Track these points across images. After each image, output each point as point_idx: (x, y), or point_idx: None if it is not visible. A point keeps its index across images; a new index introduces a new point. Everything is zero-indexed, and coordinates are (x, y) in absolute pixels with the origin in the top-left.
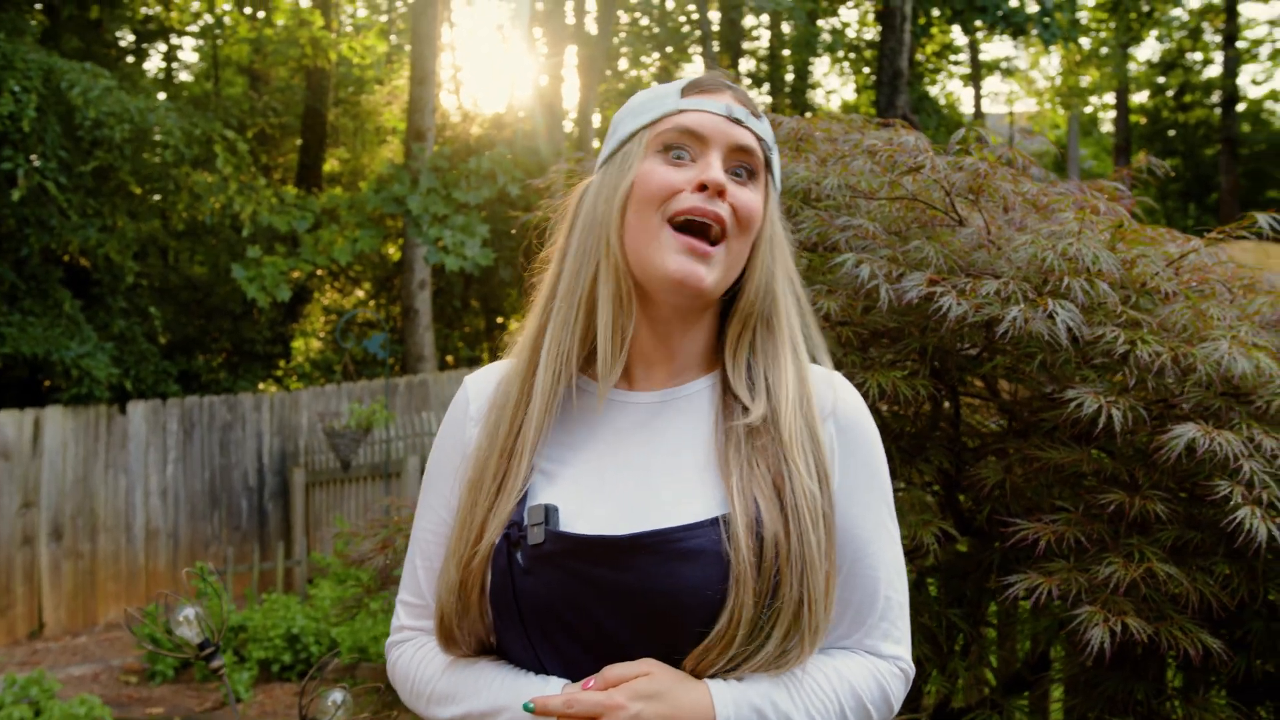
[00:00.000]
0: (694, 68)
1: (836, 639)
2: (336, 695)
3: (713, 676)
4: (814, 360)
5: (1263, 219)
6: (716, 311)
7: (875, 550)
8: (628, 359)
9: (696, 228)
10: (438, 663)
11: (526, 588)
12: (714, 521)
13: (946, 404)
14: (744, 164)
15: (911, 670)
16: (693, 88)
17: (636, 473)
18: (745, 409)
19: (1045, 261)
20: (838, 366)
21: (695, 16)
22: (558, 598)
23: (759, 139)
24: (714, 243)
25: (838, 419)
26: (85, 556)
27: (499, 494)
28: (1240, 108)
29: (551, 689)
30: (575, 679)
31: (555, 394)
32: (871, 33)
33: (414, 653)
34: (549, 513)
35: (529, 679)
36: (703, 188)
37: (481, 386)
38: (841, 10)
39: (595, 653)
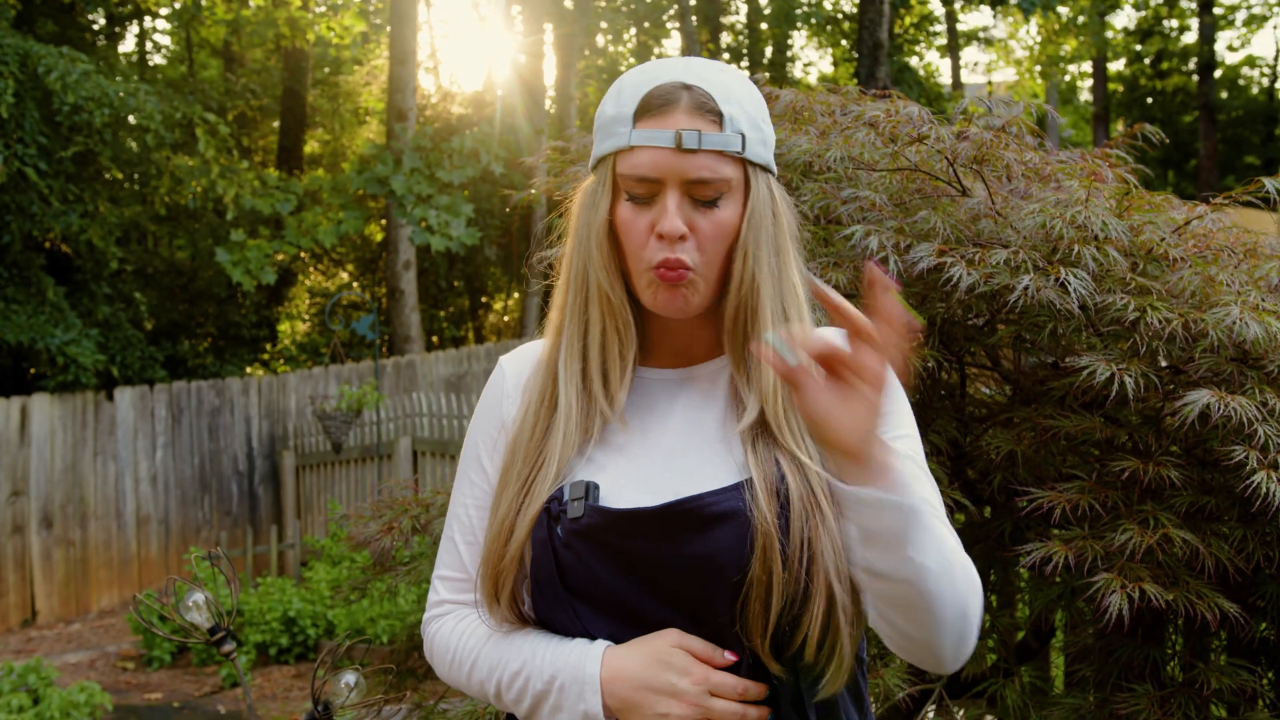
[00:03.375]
0: (672, 44)
1: None
2: (349, 677)
3: (766, 633)
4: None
5: (1270, 184)
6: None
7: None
8: (654, 340)
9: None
10: (481, 632)
11: (567, 561)
12: (738, 486)
13: (946, 374)
14: (704, 194)
15: (979, 583)
16: (644, 111)
17: (667, 444)
18: (741, 399)
19: (1053, 229)
20: None
21: None
22: (598, 570)
23: (721, 153)
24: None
25: None
26: (76, 544)
27: (537, 475)
28: (1217, 74)
29: (595, 651)
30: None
31: (584, 410)
32: (849, 4)
33: (455, 624)
34: (589, 489)
35: (574, 644)
36: (662, 237)
37: (518, 365)
38: None
39: (637, 621)
